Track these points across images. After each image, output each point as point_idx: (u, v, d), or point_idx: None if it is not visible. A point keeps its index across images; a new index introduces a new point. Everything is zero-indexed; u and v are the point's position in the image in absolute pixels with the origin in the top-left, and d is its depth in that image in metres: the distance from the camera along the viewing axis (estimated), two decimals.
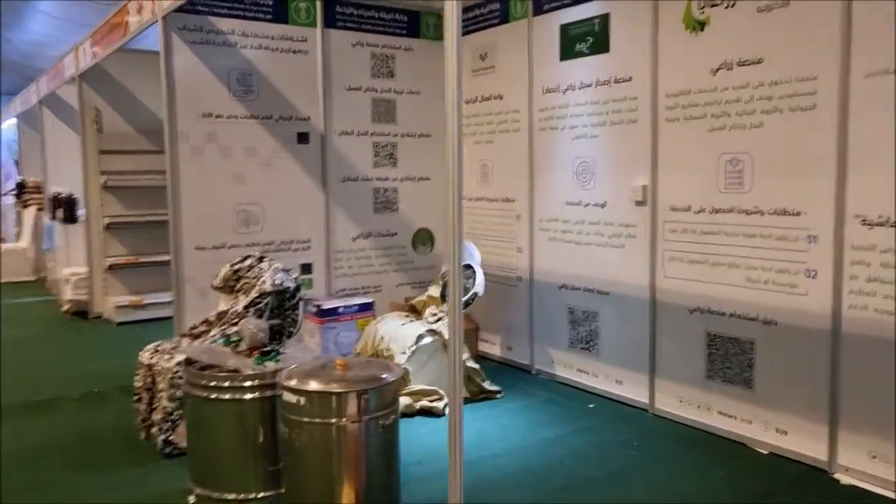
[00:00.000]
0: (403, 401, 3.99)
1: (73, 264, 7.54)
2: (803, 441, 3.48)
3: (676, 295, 4.04)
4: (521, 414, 4.27)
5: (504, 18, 5.13)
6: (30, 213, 10.03)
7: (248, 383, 2.98)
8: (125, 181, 7.01)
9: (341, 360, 2.89)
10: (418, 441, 3.76)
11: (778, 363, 3.58)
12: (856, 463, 3.28)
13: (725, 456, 3.62)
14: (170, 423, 3.55)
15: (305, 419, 2.68)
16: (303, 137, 5.12)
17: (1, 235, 11.83)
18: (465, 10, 5.25)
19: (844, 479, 3.30)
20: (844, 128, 3.21)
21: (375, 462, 2.77)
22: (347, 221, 5.39)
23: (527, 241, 5.08)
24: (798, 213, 3.43)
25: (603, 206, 4.47)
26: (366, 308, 5.07)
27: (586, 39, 4.49)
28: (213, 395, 2.99)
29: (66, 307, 7.41)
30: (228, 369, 3.06)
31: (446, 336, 4.28)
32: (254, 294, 3.66)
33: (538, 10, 4.83)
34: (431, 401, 4.23)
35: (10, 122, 12.58)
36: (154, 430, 3.65)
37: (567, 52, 4.64)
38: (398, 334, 4.42)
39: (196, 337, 3.83)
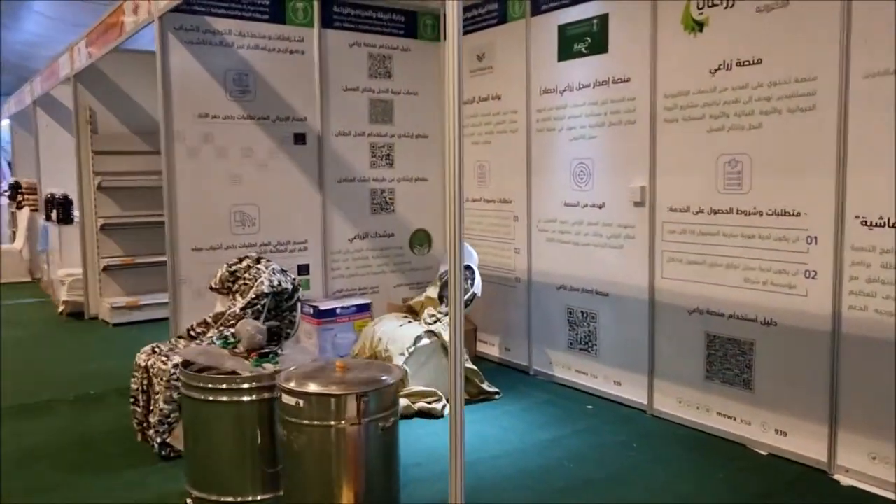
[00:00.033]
0: (402, 402, 3.97)
1: (67, 265, 7.50)
2: (803, 442, 3.47)
3: (675, 296, 4.03)
4: (520, 415, 4.25)
5: (502, 19, 5.12)
6: (24, 215, 10.00)
7: (245, 385, 2.96)
8: (120, 182, 6.98)
9: (341, 362, 2.86)
10: (417, 442, 3.75)
11: (777, 364, 3.58)
12: (855, 464, 3.27)
13: (725, 457, 3.61)
14: (166, 426, 3.52)
15: (304, 422, 2.66)
16: (299, 138, 5.10)
17: None
18: (464, 10, 5.22)
19: (844, 480, 3.29)
20: (844, 128, 3.21)
21: (375, 465, 2.75)
22: (344, 222, 5.38)
23: (524, 242, 5.06)
24: (798, 214, 3.43)
25: (601, 206, 4.46)
26: (363, 309, 5.06)
27: (585, 40, 4.48)
28: (211, 398, 2.97)
29: (61, 308, 7.37)
30: (226, 371, 3.05)
31: (445, 337, 4.28)
32: (251, 295, 3.65)
33: (536, 11, 4.81)
34: (430, 402, 4.22)
35: (3, 124, 12.53)
36: (151, 432, 3.62)
37: (565, 52, 4.63)
38: (396, 335, 4.40)
39: (193, 338, 3.81)
